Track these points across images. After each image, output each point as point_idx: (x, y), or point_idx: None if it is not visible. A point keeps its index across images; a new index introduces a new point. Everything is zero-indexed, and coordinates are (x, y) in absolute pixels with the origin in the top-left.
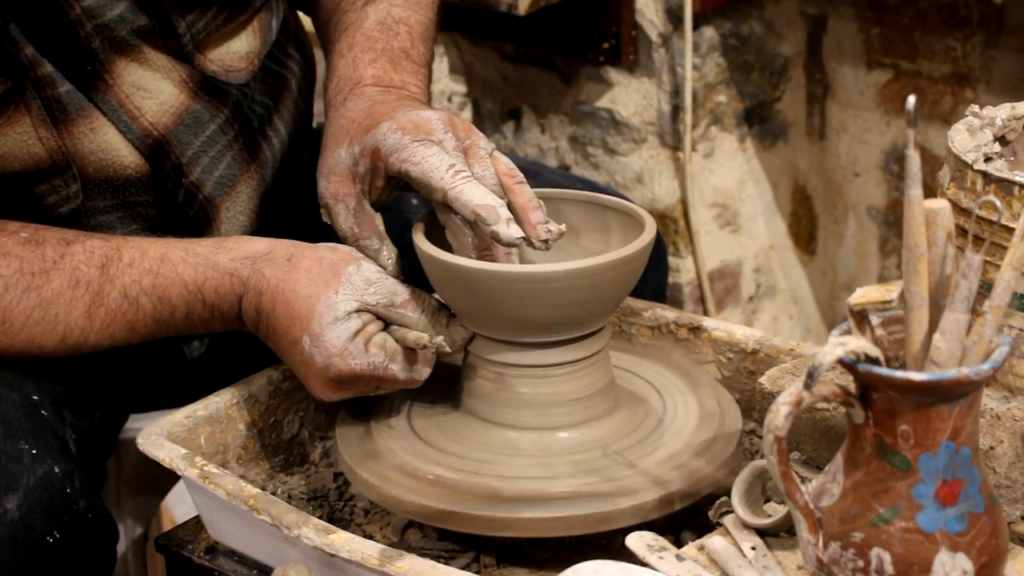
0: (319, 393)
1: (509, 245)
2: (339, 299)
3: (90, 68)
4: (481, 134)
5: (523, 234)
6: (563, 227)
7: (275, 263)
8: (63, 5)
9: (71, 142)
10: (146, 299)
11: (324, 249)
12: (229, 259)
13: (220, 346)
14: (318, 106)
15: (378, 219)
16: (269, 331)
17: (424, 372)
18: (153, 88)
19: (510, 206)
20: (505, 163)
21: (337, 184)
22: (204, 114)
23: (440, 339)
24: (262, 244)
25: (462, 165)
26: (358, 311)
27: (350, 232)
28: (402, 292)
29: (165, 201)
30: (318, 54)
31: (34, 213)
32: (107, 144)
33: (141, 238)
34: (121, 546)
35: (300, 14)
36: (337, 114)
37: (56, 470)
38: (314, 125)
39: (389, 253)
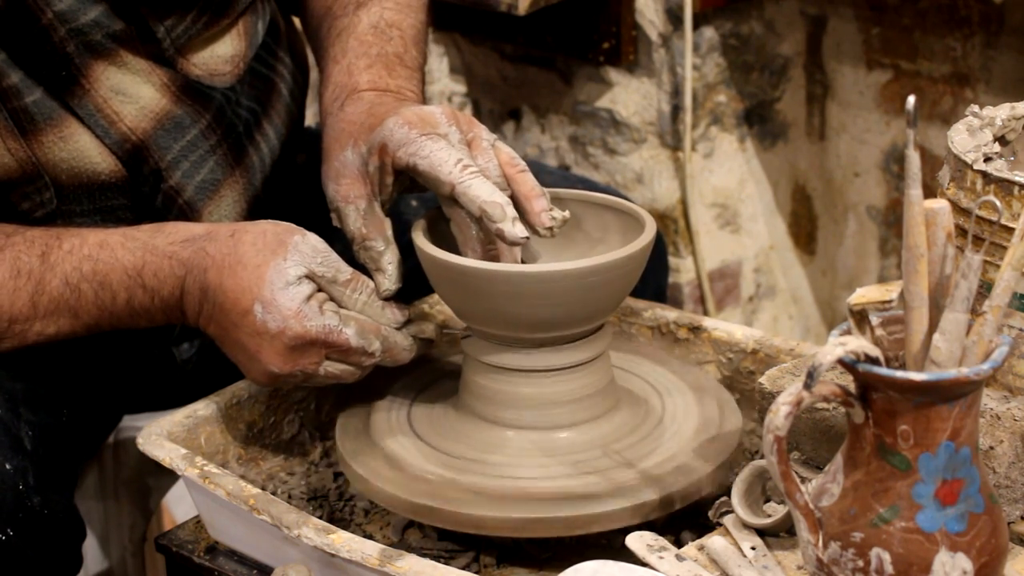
0: (269, 366)
1: (513, 244)
2: (288, 264)
3: (65, 73)
4: (483, 126)
5: (527, 234)
6: (566, 214)
7: (217, 240)
8: (34, 9)
9: (40, 152)
10: (87, 285)
11: (266, 223)
12: (168, 243)
13: (211, 348)
14: (312, 108)
15: (387, 223)
16: (216, 308)
17: (375, 344)
18: (132, 92)
19: (513, 195)
20: (507, 152)
21: (348, 186)
22: (185, 119)
23: (377, 345)
24: (200, 227)
25: (469, 159)
26: (307, 276)
27: (358, 233)
28: (345, 271)
29: (143, 205)
30: (312, 57)
31: (9, 218)
32: (78, 152)
33: (81, 228)
34: (120, 546)
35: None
36: (336, 120)
37: (7, 467)
38: (308, 124)
39: (391, 257)
